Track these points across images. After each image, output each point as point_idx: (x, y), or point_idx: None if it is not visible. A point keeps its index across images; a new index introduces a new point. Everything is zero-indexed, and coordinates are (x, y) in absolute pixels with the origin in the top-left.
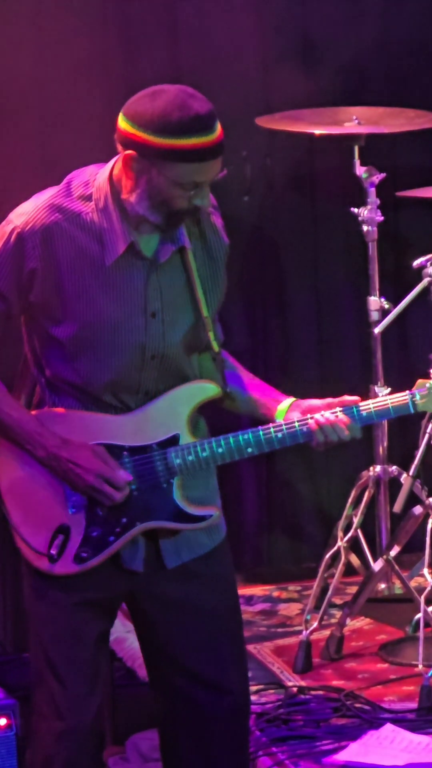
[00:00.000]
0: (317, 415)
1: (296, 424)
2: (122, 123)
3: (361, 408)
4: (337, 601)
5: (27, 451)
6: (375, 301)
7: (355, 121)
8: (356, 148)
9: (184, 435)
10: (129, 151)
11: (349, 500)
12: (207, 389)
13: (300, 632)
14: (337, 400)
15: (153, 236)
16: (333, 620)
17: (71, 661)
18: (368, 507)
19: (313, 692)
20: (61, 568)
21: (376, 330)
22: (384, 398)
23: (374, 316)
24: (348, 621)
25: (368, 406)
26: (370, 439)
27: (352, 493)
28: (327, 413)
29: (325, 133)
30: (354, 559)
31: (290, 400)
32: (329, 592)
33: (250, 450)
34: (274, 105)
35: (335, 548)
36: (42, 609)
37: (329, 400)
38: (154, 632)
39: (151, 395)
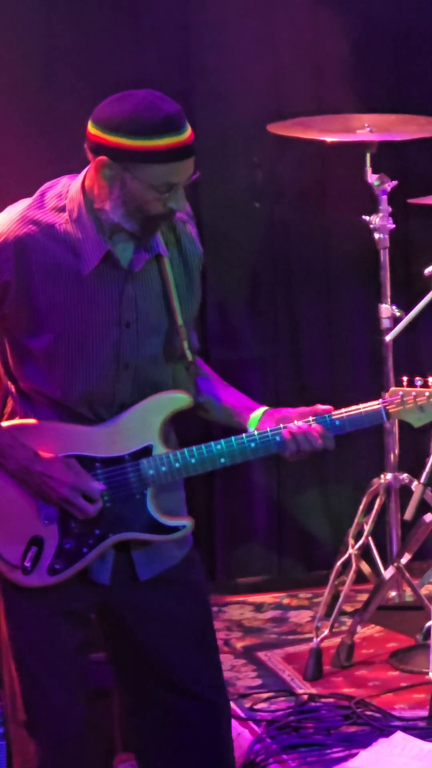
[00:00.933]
0: (290, 425)
1: (269, 433)
2: (92, 129)
3: (334, 417)
4: (348, 608)
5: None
6: (386, 309)
7: (367, 128)
8: (368, 156)
9: (156, 445)
10: (101, 157)
11: (360, 508)
12: (179, 399)
13: (311, 640)
14: (309, 409)
15: (128, 245)
16: (344, 628)
17: (52, 672)
18: (379, 514)
19: (323, 700)
20: (35, 580)
21: (388, 337)
22: (357, 407)
23: (385, 323)
24: (359, 628)
25: (341, 414)
26: (381, 446)
27: (363, 501)
28: (300, 422)
29: (336, 141)
30: (365, 567)
31: (263, 408)
32: (340, 600)
33: (223, 460)
34: (286, 112)
35: (346, 556)
36: (18, 621)
37: (302, 409)
38: (128, 641)
39: (126, 406)
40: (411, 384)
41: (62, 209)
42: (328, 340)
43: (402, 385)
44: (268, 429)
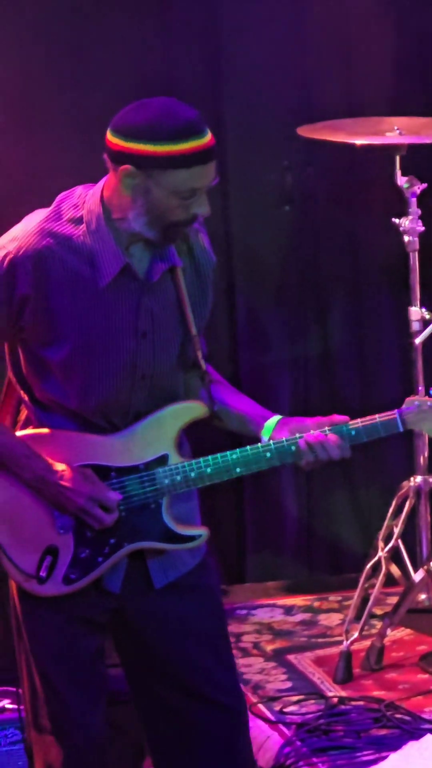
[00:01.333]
0: (307, 434)
1: (285, 442)
2: (112, 138)
3: (350, 426)
4: (378, 611)
5: (14, 473)
6: (416, 312)
7: (397, 131)
8: (397, 158)
9: (172, 455)
10: (123, 166)
11: (390, 510)
12: (194, 409)
13: (340, 642)
14: (325, 418)
15: (144, 256)
16: (373, 631)
17: (70, 679)
18: (409, 517)
19: (353, 703)
20: (50, 590)
21: (417, 340)
22: (373, 417)
23: (415, 326)
24: (388, 631)
25: (357, 424)
26: (411, 449)
27: (393, 504)
28: (316, 432)
29: (366, 143)
30: (395, 570)
31: (277, 417)
32: (370, 603)
33: (238, 470)
34: (315, 115)
35: (376, 558)
36: (35, 628)
37: (318, 418)
38: (142, 647)
39: (141, 415)
40: (427, 393)
41: (79, 220)
42: (357, 343)
43: (418, 395)
44: (284, 438)
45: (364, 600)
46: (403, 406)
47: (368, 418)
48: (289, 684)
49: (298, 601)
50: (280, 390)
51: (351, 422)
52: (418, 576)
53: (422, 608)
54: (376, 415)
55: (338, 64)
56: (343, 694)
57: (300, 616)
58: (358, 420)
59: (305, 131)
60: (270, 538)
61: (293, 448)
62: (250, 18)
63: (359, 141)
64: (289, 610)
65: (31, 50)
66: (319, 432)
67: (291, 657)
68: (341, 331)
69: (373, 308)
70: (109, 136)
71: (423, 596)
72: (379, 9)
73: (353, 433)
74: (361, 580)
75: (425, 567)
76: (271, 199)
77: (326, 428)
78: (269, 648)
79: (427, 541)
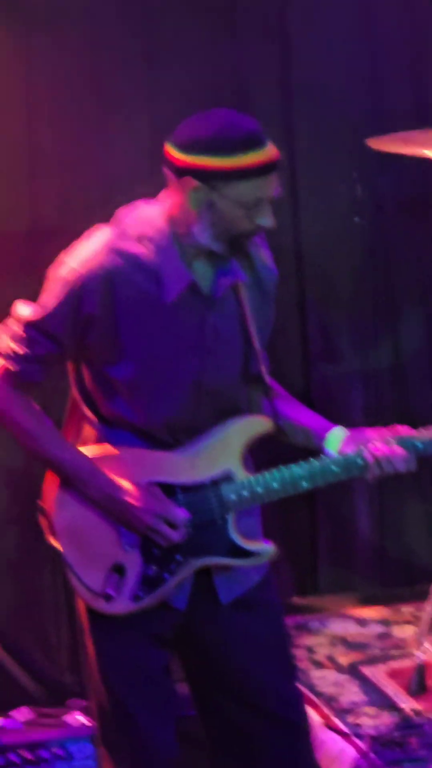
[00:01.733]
0: (373, 448)
1: (352, 456)
2: (175, 153)
3: (416, 439)
4: None
5: (80, 491)
6: None
7: None
8: None
9: (238, 470)
10: (188, 180)
11: None
12: (259, 423)
13: (414, 655)
14: (390, 430)
15: (208, 271)
16: None
17: (140, 696)
18: None
19: (428, 715)
20: (118, 608)
21: None
22: None
23: None
24: None
25: (423, 437)
26: None
27: None
28: (382, 445)
29: None
30: None
31: (341, 429)
32: None
33: (305, 484)
34: (386, 125)
35: None
36: (102, 646)
37: (382, 429)
38: (208, 663)
39: (206, 431)
40: None
41: (143, 237)
42: (429, 354)
43: None
44: (351, 452)
45: None
46: None
47: None
48: (363, 696)
49: (372, 613)
50: (353, 403)
51: (417, 435)
52: None
53: None
54: None
55: (409, 76)
56: (418, 706)
57: (374, 629)
58: (424, 433)
59: (375, 143)
60: (343, 550)
61: (359, 461)
62: (320, 28)
63: (431, 152)
64: (362, 623)
65: (103, 61)
66: (385, 445)
67: (365, 669)
68: (413, 343)
69: None
70: (171, 150)
71: None
72: None
73: (420, 446)
74: None
75: None
76: (342, 210)
77: (392, 441)
78: (343, 660)
79: None
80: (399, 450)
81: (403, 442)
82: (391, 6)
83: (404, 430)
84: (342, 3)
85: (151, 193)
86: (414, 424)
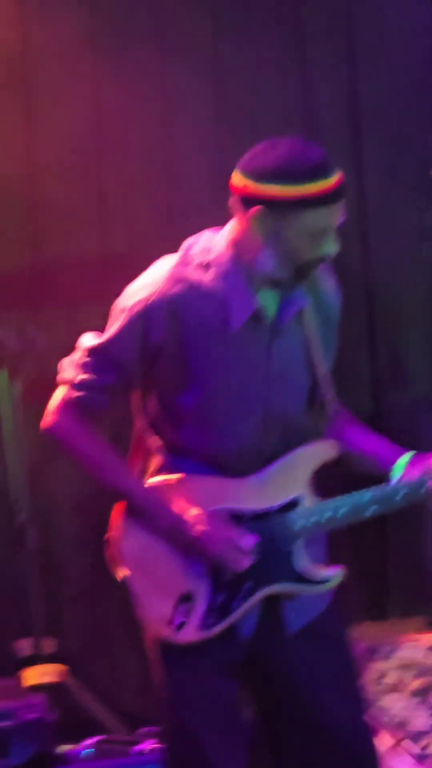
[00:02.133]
0: None
1: (417, 482)
2: (243, 181)
3: None
4: None
5: (149, 522)
6: None
7: None
8: None
9: (305, 497)
10: (256, 208)
11: None
12: (326, 450)
13: None
14: None
15: (273, 299)
16: None
17: (211, 725)
18: None
19: None
20: (186, 636)
21: None
22: None
23: None
24: None
25: None
26: None
27: None
28: None
29: None
30: None
31: (409, 455)
32: None
33: (372, 510)
34: None
35: None
36: (172, 675)
37: None
38: (274, 692)
39: (273, 458)
40: None
41: (209, 265)
42: None
43: None
44: (416, 478)
45: None
46: None
47: None
48: None
49: None
50: (422, 429)
51: None
52: None
53: None
54: None
55: None
56: None
57: None
58: None
59: None
60: (412, 575)
61: (423, 489)
62: (387, 51)
63: None
64: None
65: (172, 88)
66: None
67: None
68: None
69: None
70: (238, 178)
71: None
72: None
73: None
74: None
75: None
76: (411, 235)
77: None
78: (413, 685)
79: None
80: None
81: None
82: None
83: None
84: (411, 29)
85: (218, 222)
86: None
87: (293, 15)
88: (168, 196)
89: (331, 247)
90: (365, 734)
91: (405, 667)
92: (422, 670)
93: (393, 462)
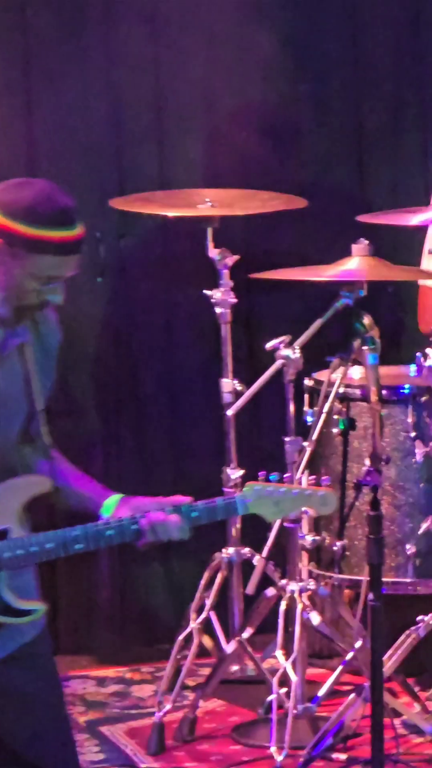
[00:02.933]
0: (150, 514)
1: (127, 521)
2: None
3: (190, 508)
4: (190, 682)
5: None
6: (228, 383)
7: (208, 203)
8: (209, 230)
9: (14, 529)
10: None
11: (202, 582)
12: (38, 483)
13: (153, 714)
14: (166, 499)
15: None
16: (186, 702)
17: None
18: (222, 588)
19: None
20: None
21: (229, 412)
22: (213, 499)
23: (227, 398)
24: (201, 702)
25: (197, 506)
26: (224, 520)
27: (205, 575)
28: (158, 512)
29: (178, 215)
30: (207, 641)
31: (118, 496)
32: (182, 674)
33: (79, 546)
34: (128, 186)
35: (188, 630)
36: None
37: (159, 498)
38: None
39: None
40: (267, 479)
41: None
42: (170, 414)
43: (259, 480)
44: (126, 517)
45: (177, 671)
46: (244, 489)
47: (209, 501)
48: (102, 756)
49: (111, 672)
50: (91, 464)
51: (191, 504)
52: (230, 647)
53: (234, 679)
54: (216, 498)
55: (151, 138)
56: (156, 765)
57: (113, 687)
58: (199, 502)
59: (118, 203)
60: (82, 609)
61: (134, 526)
62: (61, 88)
63: (171, 213)
64: (101, 682)
65: None
66: (161, 512)
67: (104, 729)
68: (153, 402)
69: (186, 380)
70: None
71: (235, 667)
72: (191, 83)
73: (193, 514)
74: (174, 651)
75: (237, 638)
76: (84, 270)
77: (167, 508)
78: (82, 719)
79: (239, 613)
80: (174, 518)
81: (179, 511)
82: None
83: (181, 499)
84: None
85: None
86: (153, 486)
87: None
88: None
89: (57, 297)
90: (73, 760)
91: (74, 701)
92: (91, 705)
93: (102, 501)
